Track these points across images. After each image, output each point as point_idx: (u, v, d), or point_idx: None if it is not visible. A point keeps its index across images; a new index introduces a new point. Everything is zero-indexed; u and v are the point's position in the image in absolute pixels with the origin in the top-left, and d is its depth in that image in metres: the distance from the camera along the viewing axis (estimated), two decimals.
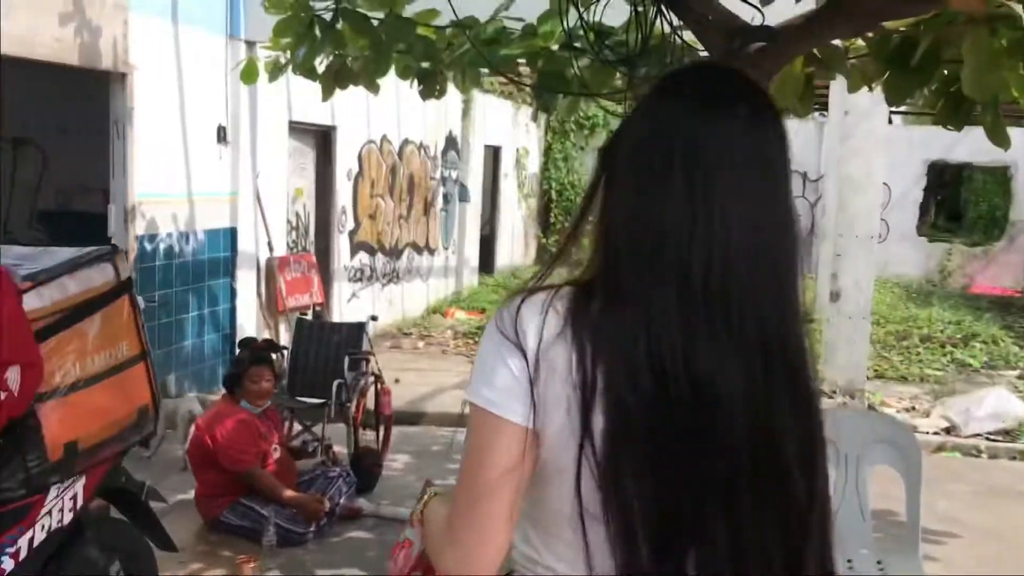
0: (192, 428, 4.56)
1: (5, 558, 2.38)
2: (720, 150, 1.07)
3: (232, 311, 7.43)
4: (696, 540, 1.04)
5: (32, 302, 2.42)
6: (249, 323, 7.63)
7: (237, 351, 4.71)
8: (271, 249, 7.68)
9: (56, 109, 7.51)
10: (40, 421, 2.41)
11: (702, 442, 1.04)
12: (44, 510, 2.48)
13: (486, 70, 4.31)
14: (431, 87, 4.30)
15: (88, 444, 2.56)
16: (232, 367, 4.70)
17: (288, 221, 8.17)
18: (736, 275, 1.05)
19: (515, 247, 14.24)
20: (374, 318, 5.79)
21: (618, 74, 3.61)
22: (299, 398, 5.55)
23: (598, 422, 1.05)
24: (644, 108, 1.15)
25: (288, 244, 8.12)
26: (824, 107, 9.65)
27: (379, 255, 9.92)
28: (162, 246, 6.55)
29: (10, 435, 2.39)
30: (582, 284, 1.12)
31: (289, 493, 4.42)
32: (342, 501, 4.66)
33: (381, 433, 5.60)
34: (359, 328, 5.69)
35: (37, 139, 7.73)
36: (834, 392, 6.92)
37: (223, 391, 4.70)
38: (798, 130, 9.66)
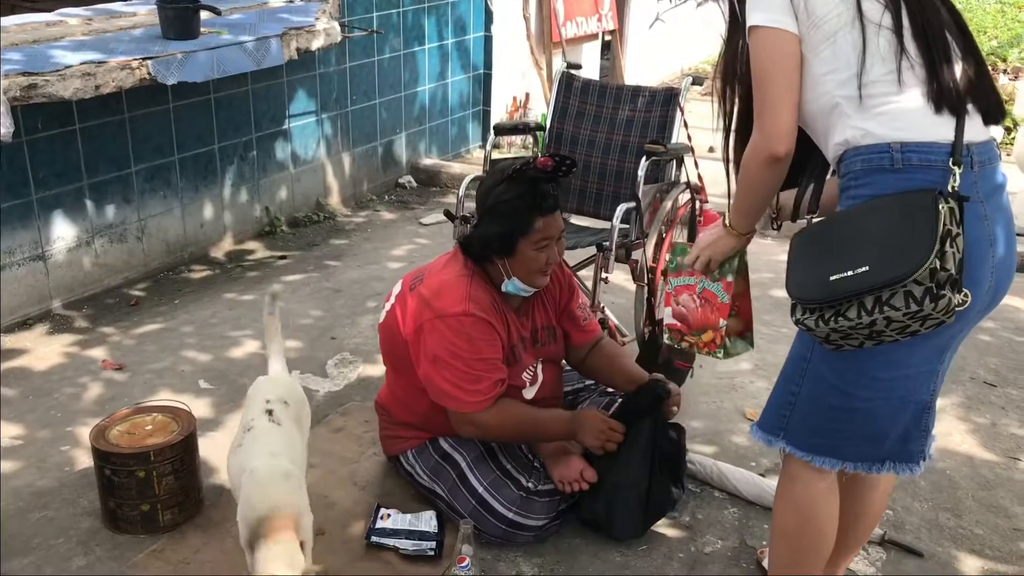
0: (388, 298, 2.47)
1: None
2: None
3: (487, 43, 5.48)
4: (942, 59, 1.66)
5: None
6: (512, 61, 5.68)
7: (481, 173, 2.15)
8: None
9: None
10: None
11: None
12: None
13: None
14: None
15: None
16: (492, 219, 2.20)
17: None
18: None
19: None
20: (697, 81, 3.34)
21: None
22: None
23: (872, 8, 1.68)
24: None
25: None
26: None
27: None
28: None
29: None
30: None
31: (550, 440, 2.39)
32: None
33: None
34: (667, 99, 3.30)
35: None
36: None
37: (461, 255, 2.29)
38: None
